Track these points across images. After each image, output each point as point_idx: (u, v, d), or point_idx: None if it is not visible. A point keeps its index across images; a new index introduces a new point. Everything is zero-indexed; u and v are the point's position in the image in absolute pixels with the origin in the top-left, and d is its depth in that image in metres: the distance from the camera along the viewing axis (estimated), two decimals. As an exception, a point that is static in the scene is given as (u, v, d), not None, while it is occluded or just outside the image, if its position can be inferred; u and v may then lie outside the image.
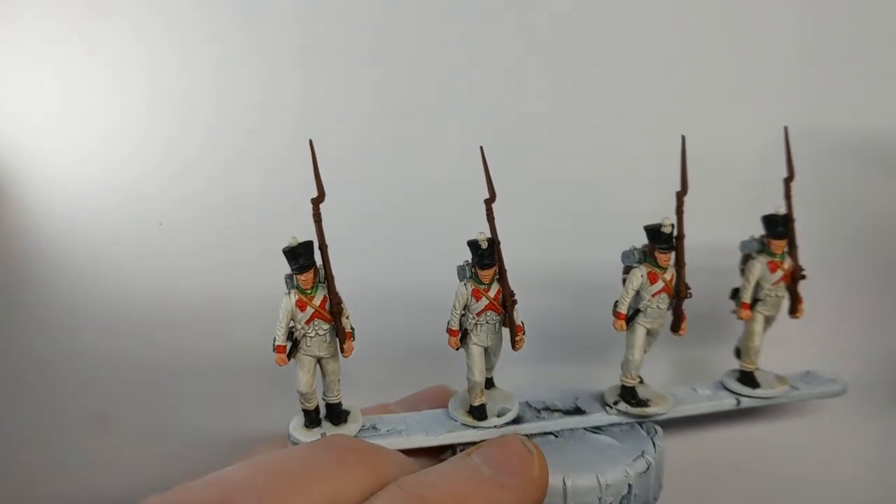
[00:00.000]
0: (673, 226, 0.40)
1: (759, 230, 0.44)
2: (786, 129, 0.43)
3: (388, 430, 0.40)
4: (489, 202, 0.38)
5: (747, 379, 0.46)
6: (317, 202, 0.36)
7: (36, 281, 0.47)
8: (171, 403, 0.49)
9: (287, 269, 0.37)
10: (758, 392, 0.45)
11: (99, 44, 0.46)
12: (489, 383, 0.43)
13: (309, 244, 0.36)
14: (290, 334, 0.38)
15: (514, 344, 0.39)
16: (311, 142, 0.36)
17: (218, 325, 0.49)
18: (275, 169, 0.48)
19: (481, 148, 0.38)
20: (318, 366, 0.39)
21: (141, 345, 0.48)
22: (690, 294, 0.42)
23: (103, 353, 0.48)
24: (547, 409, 0.44)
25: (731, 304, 0.46)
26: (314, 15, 0.48)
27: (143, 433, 0.49)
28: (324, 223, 0.37)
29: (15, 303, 0.47)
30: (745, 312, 0.44)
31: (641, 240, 0.41)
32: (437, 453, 0.41)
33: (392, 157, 0.49)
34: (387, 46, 0.49)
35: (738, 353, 0.47)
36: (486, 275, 0.38)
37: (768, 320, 0.45)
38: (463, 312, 0.40)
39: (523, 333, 0.39)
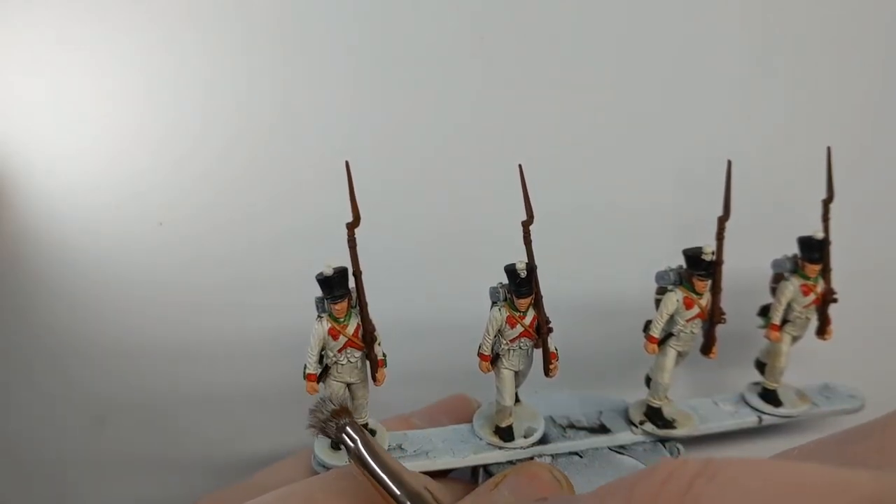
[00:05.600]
0: (713, 252, 0.39)
1: (780, 249, 0.43)
2: (828, 149, 0.42)
3: (414, 451, 0.40)
4: (526, 224, 0.37)
5: (769, 397, 0.45)
6: (352, 227, 0.35)
7: (36, 281, 0.46)
8: (170, 405, 0.48)
9: (305, 284, 0.36)
10: (780, 410, 0.45)
11: (96, 45, 0.44)
12: (515, 399, 0.43)
13: (344, 272, 0.35)
14: (320, 360, 0.37)
15: (548, 371, 0.39)
16: (347, 164, 0.35)
17: (221, 328, 0.48)
18: (287, 174, 0.47)
19: (520, 166, 0.37)
20: (346, 390, 0.38)
21: (141, 345, 0.47)
22: (725, 319, 0.41)
23: (103, 354, 0.47)
24: (572, 426, 0.43)
25: (756, 319, 0.45)
26: (330, 18, 0.46)
27: (141, 434, 0.48)
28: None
29: (15, 303, 0.46)
30: (775, 334, 0.44)
31: (663, 262, 0.41)
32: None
33: (423, 180, 0.48)
34: (420, 65, 0.47)
35: (760, 366, 0.47)
36: (523, 303, 0.37)
37: (795, 339, 0.45)
38: (495, 337, 0.39)
39: (557, 360, 0.39)
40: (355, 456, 0.31)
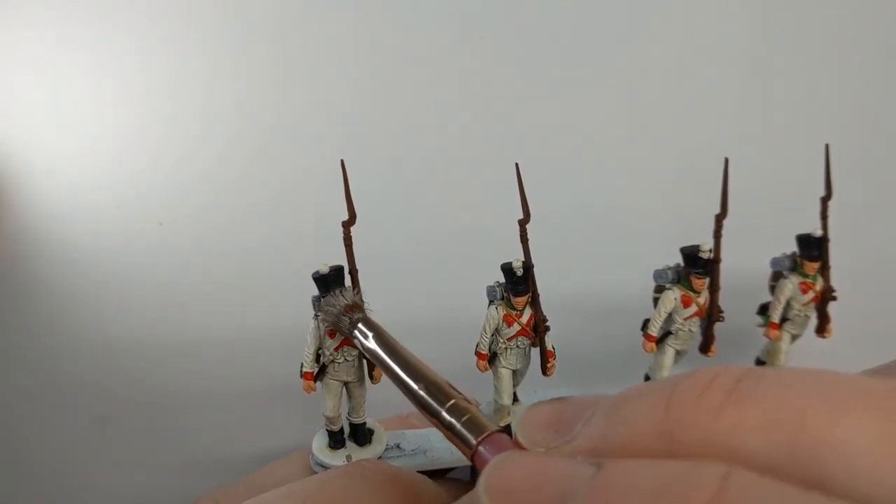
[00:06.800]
0: (710, 250, 0.39)
1: (779, 247, 0.43)
2: (826, 146, 0.42)
3: (412, 450, 0.40)
4: (523, 223, 0.37)
5: (770, 395, 0.45)
6: (348, 225, 0.35)
7: (36, 281, 0.46)
8: (170, 404, 0.48)
9: (302, 283, 0.36)
10: (780, 409, 0.45)
11: (96, 45, 0.44)
12: (513, 398, 0.43)
13: (340, 270, 0.35)
14: (317, 359, 0.37)
15: (546, 370, 0.39)
16: (342, 162, 0.35)
17: (219, 327, 0.48)
18: (287, 174, 0.47)
19: (517, 165, 0.37)
20: (343, 388, 0.38)
21: (141, 345, 0.47)
22: (723, 318, 0.41)
23: (102, 353, 0.47)
24: (570, 425, 0.43)
25: (755, 318, 0.45)
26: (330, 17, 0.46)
27: (141, 434, 0.49)
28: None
29: (15, 304, 0.46)
30: (775, 333, 0.44)
31: (660, 262, 0.41)
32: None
33: (421, 180, 0.48)
34: (420, 65, 0.47)
35: (759, 364, 0.47)
36: (520, 301, 0.37)
37: (794, 338, 0.45)
38: (492, 336, 0.39)
39: (554, 359, 0.39)
40: (370, 352, 0.30)
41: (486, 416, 0.25)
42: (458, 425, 0.24)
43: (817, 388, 0.17)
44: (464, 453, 0.24)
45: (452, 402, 0.25)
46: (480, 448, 0.23)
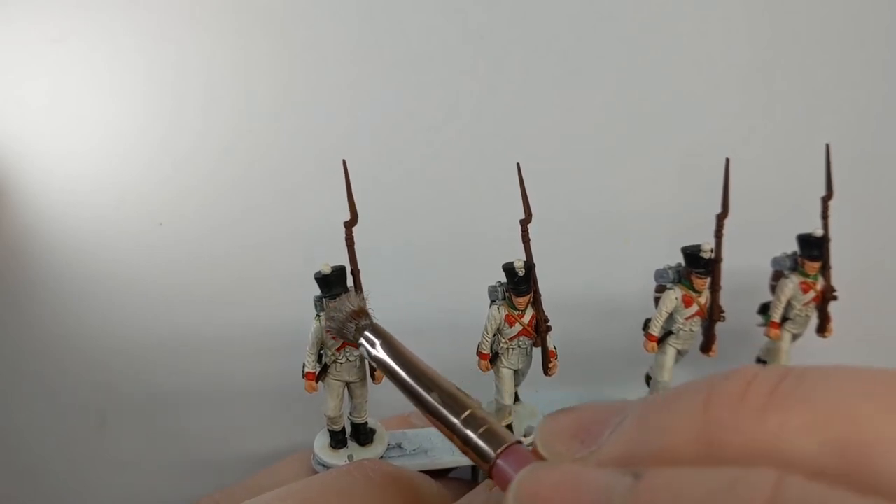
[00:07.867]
0: (712, 250, 0.39)
1: (779, 246, 0.43)
2: (827, 146, 0.42)
3: (413, 450, 0.40)
4: (525, 222, 0.37)
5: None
6: (350, 225, 0.35)
7: (36, 281, 0.46)
8: (170, 405, 0.48)
9: (304, 283, 0.36)
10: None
11: (96, 44, 0.44)
12: (515, 398, 0.43)
13: (342, 271, 0.35)
14: (319, 359, 0.37)
15: (547, 370, 0.39)
16: (344, 162, 0.35)
17: (219, 327, 0.48)
18: (287, 174, 0.47)
19: (518, 165, 0.37)
20: (345, 388, 0.38)
21: (141, 345, 0.47)
22: (724, 318, 0.41)
23: (103, 353, 0.47)
24: (571, 425, 0.43)
25: (756, 317, 0.45)
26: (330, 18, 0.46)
27: (141, 435, 0.48)
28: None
29: (15, 304, 0.46)
30: (775, 332, 0.44)
31: (661, 262, 0.41)
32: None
33: (422, 179, 0.48)
34: (420, 66, 0.47)
35: (760, 364, 0.47)
36: (522, 302, 0.37)
37: (795, 337, 0.45)
38: (494, 336, 0.39)
39: (556, 359, 0.39)
40: (377, 360, 0.28)
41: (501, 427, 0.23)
42: (474, 438, 0.23)
43: (863, 386, 0.17)
44: (480, 466, 0.23)
45: (468, 412, 0.24)
46: (499, 461, 0.22)
